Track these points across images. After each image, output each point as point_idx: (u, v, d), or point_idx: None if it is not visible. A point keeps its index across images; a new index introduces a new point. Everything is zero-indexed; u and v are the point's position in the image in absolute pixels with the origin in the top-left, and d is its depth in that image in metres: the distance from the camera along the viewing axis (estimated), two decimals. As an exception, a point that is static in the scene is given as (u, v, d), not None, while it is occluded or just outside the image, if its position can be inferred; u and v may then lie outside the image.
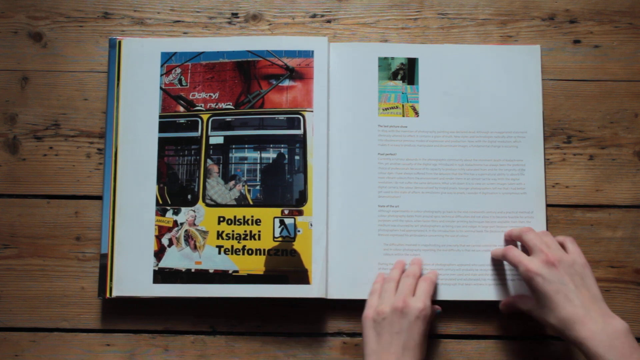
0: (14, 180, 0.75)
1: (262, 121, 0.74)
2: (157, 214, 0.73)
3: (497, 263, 0.72)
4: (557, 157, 0.75)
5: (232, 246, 0.72)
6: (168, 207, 0.73)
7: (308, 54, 0.74)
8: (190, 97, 0.74)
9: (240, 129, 0.74)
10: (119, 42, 0.75)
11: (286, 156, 0.73)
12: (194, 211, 0.73)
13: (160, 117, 0.74)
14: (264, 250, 0.72)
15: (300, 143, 0.73)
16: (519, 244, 0.71)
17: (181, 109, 0.74)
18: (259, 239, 0.72)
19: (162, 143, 0.74)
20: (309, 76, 0.74)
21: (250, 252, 0.72)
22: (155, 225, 0.72)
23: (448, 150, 0.74)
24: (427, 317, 0.65)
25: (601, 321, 0.60)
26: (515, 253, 0.66)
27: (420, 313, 0.64)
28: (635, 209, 0.75)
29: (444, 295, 0.72)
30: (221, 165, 0.73)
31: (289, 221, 0.72)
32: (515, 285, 0.71)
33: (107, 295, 0.71)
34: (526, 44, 0.77)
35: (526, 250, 0.67)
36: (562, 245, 0.67)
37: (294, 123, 0.73)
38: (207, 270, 0.71)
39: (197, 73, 0.75)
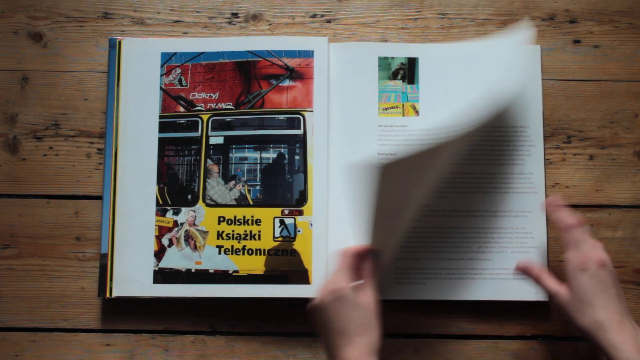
0: (14, 180, 0.75)
1: (262, 121, 0.74)
2: (157, 214, 0.73)
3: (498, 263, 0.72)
4: (557, 157, 0.75)
5: (232, 246, 0.72)
6: (168, 207, 0.73)
7: (308, 54, 0.74)
8: (190, 98, 0.74)
9: (240, 129, 0.74)
10: (119, 42, 0.75)
11: (286, 156, 0.73)
12: (194, 211, 0.72)
13: (161, 117, 0.74)
14: (264, 250, 0.72)
15: (300, 143, 0.73)
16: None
17: (181, 109, 0.74)
18: (259, 239, 0.72)
19: (162, 143, 0.74)
20: (308, 76, 0.74)
21: (250, 252, 0.72)
22: (156, 225, 0.72)
23: None
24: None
25: (634, 331, 0.61)
26: (579, 235, 0.64)
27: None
28: (635, 209, 0.75)
29: (444, 295, 0.71)
30: (221, 165, 0.73)
31: (289, 221, 0.72)
32: (516, 285, 0.71)
33: (107, 295, 0.71)
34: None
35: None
36: None
37: (294, 123, 0.73)
38: (207, 270, 0.71)
39: (197, 73, 0.75)
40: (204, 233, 0.72)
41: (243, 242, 0.72)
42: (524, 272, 0.68)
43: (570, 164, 0.75)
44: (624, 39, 0.77)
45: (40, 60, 0.76)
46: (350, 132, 0.74)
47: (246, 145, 0.73)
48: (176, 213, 0.73)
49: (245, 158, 0.73)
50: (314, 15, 0.78)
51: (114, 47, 0.75)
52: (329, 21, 0.77)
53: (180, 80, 0.75)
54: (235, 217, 0.72)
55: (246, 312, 0.73)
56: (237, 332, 0.73)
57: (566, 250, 0.64)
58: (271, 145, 0.73)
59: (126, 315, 0.73)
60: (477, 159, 0.74)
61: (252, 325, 0.73)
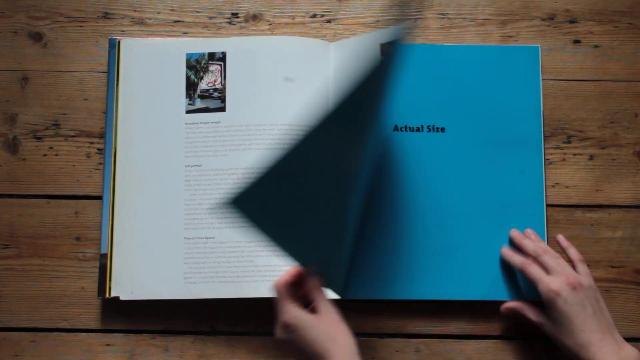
0: (14, 180, 0.75)
1: None
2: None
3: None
4: (557, 157, 0.75)
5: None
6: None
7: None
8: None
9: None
10: (118, 42, 0.75)
11: None
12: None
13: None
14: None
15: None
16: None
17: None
18: None
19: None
20: None
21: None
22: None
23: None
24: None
25: (616, 347, 0.62)
26: (537, 270, 0.66)
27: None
28: (635, 209, 0.75)
29: (444, 294, 0.71)
30: None
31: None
32: (516, 285, 0.71)
33: (107, 295, 0.71)
34: (526, 44, 0.77)
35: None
36: (572, 265, 0.68)
37: None
38: None
39: None
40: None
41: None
42: (510, 314, 0.70)
43: (570, 164, 0.75)
44: (624, 39, 0.77)
45: (40, 60, 0.76)
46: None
47: None
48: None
49: None
50: (314, 15, 0.78)
51: (114, 47, 0.75)
52: (329, 21, 0.77)
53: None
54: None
55: (246, 312, 0.73)
56: (237, 332, 0.73)
57: (535, 284, 0.65)
58: None
59: (126, 315, 0.73)
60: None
61: (252, 325, 0.73)
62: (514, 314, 0.70)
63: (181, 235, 0.72)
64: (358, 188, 0.61)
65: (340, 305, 0.72)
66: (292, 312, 0.61)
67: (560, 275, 0.65)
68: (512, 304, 0.70)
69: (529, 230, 0.71)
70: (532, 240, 0.70)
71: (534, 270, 0.66)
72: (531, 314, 0.68)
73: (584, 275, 0.66)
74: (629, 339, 0.67)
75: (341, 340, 0.60)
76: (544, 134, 0.75)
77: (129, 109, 0.74)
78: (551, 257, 0.67)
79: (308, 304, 0.63)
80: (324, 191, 0.57)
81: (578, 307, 0.63)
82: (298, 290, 0.64)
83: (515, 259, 0.69)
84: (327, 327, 0.60)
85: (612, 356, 0.61)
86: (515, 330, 0.72)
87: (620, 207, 0.75)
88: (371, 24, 0.77)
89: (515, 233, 0.71)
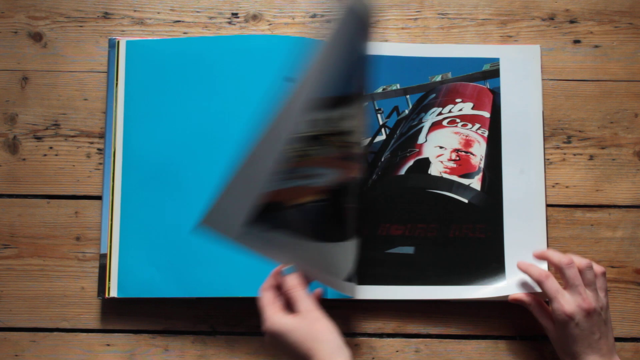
0: (14, 180, 0.75)
1: None
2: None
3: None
4: (557, 157, 0.75)
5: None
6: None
7: None
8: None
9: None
10: (118, 42, 0.75)
11: None
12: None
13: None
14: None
15: None
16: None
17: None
18: None
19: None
20: None
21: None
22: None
23: None
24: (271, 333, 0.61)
25: None
26: (553, 287, 0.65)
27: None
28: (635, 209, 0.75)
29: (445, 294, 0.71)
30: None
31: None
32: (516, 285, 0.71)
33: (107, 295, 0.71)
34: (526, 44, 0.77)
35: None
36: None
37: None
38: None
39: None
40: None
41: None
42: (520, 303, 0.70)
43: (570, 164, 0.75)
44: (624, 39, 0.77)
45: (40, 60, 0.76)
46: None
47: None
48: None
49: None
50: (314, 15, 0.78)
51: (114, 47, 0.75)
52: (329, 21, 0.77)
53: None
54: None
55: (246, 312, 0.73)
56: (237, 332, 0.73)
57: (550, 301, 0.65)
58: None
59: (126, 315, 0.73)
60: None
61: (252, 325, 0.73)
62: (523, 306, 0.70)
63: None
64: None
65: (341, 304, 0.72)
66: (272, 320, 0.60)
67: (577, 297, 0.64)
68: (521, 296, 0.69)
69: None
70: (556, 252, 0.69)
71: (550, 286, 0.65)
72: (539, 314, 0.68)
73: (601, 292, 0.65)
74: (629, 339, 0.67)
75: (323, 337, 0.59)
76: (544, 134, 0.75)
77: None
78: (576, 273, 0.65)
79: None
80: None
81: (587, 333, 0.63)
82: (281, 291, 0.63)
83: (533, 270, 0.68)
84: (307, 326, 0.60)
85: None
86: (515, 330, 0.72)
87: (620, 207, 0.75)
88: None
89: (520, 263, 0.71)
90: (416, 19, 0.77)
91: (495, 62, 0.75)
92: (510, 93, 0.75)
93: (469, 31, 0.77)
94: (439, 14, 0.78)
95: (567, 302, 0.64)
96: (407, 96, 0.75)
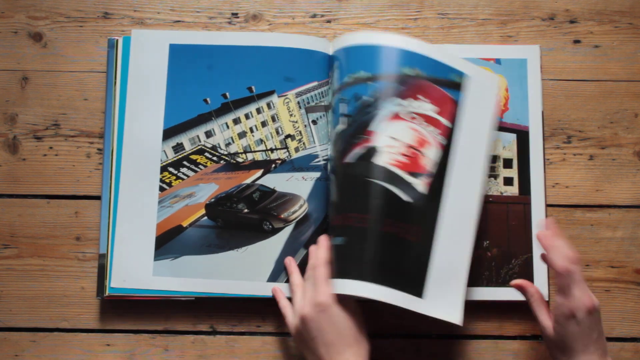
0: (14, 180, 0.75)
1: None
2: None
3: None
4: (557, 157, 0.75)
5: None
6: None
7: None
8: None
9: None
10: (117, 42, 0.75)
11: None
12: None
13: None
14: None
15: None
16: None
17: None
18: None
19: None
20: None
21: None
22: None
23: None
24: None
25: None
26: (571, 279, 0.62)
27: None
28: (635, 209, 0.75)
29: (370, 293, 0.66)
30: None
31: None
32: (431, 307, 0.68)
33: (105, 293, 0.71)
34: (526, 44, 0.77)
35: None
36: None
37: None
38: None
39: None
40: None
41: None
42: (521, 290, 0.69)
43: (570, 164, 0.75)
44: (624, 39, 0.77)
45: (40, 60, 0.76)
46: None
47: None
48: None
49: None
50: (314, 15, 0.78)
51: (113, 47, 0.75)
52: (329, 21, 0.77)
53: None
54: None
55: (246, 312, 0.73)
56: (237, 332, 0.73)
57: (557, 292, 0.63)
58: None
59: (126, 315, 0.73)
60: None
61: (252, 325, 0.73)
62: (522, 293, 0.69)
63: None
64: None
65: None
66: (328, 294, 0.63)
67: (585, 296, 0.62)
68: (524, 283, 0.68)
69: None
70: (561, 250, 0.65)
71: (566, 279, 0.63)
72: (537, 307, 0.67)
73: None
74: (629, 339, 0.67)
75: (358, 342, 0.63)
76: (544, 134, 0.75)
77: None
78: (577, 274, 0.63)
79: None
80: None
81: (587, 331, 0.63)
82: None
83: (557, 256, 0.64)
84: (350, 324, 0.63)
85: None
86: (516, 330, 0.72)
87: (620, 207, 0.75)
88: (371, 24, 0.77)
89: (542, 234, 0.66)
90: (416, 19, 0.77)
91: (462, 75, 0.70)
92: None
93: (469, 31, 0.77)
94: (439, 14, 0.78)
95: (575, 298, 0.62)
96: (373, 83, 0.69)
